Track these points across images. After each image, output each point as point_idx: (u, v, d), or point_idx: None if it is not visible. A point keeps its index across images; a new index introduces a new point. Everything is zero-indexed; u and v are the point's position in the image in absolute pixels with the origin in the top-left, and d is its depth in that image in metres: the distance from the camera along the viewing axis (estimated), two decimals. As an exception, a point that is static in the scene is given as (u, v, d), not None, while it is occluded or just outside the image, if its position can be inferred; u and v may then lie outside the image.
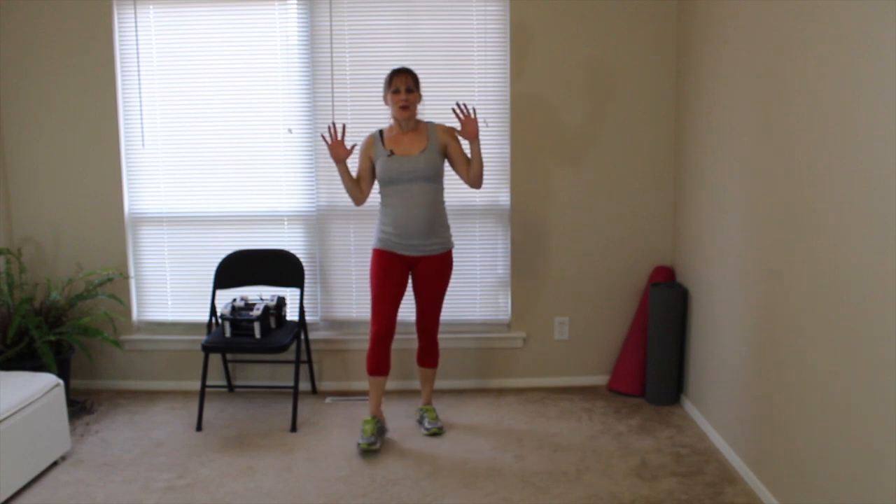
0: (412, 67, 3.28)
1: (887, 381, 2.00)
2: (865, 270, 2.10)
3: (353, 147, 3.30)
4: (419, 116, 3.34)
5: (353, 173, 3.36)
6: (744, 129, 2.95)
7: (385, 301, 3.31)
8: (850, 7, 2.16)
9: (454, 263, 3.42)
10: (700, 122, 3.46)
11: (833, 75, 2.26)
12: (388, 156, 3.24)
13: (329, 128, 3.30)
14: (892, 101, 1.96)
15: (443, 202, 3.34)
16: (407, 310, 3.51)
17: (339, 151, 3.28)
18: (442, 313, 3.47)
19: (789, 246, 2.56)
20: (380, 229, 3.33)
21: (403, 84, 3.22)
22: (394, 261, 3.30)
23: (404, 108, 3.22)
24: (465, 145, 3.36)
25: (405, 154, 3.24)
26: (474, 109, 3.27)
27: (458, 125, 3.29)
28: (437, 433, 3.40)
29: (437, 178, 3.28)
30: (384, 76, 3.28)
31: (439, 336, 3.52)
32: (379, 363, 3.35)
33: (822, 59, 2.32)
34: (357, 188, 3.35)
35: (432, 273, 3.33)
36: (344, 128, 3.30)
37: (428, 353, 3.51)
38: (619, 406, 3.72)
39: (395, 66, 3.28)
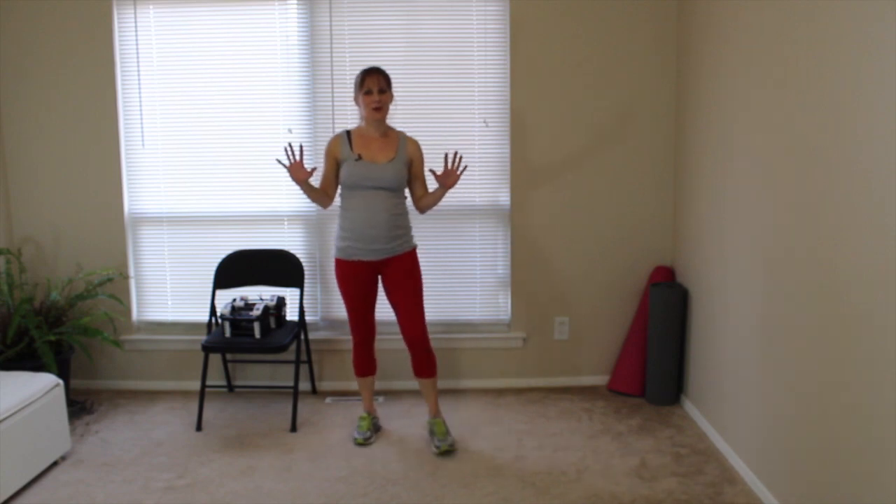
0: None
1: (887, 381, 2.00)
2: (865, 270, 2.10)
3: (313, 169, 3.22)
4: (389, 122, 3.27)
5: (317, 182, 3.32)
6: (744, 129, 2.95)
7: (359, 310, 3.30)
8: (850, 7, 2.16)
9: (421, 265, 3.32)
10: (700, 122, 3.46)
11: (833, 75, 2.26)
12: (356, 160, 3.16)
13: (285, 150, 3.21)
14: (892, 101, 1.96)
15: (405, 208, 3.28)
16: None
17: (299, 174, 3.20)
18: (438, 315, 3.45)
19: (789, 246, 2.56)
20: (340, 236, 3.24)
21: (376, 85, 3.14)
22: (358, 269, 3.22)
23: (377, 109, 3.15)
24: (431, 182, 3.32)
25: (372, 160, 3.17)
26: (465, 168, 3.23)
27: (441, 162, 3.24)
28: (447, 452, 3.19)
29: (400, 188, 3.23)
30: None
31: (438, 336, 3.50)
32: (364, 365, 3.43)
33: (822, 59, 2.32)
34: (323, 195, 3.29)
35: (400, 273, 3.24)
36: (301, 149, 3.23)
37: (423, 364, 3.34)
38: (619, 406, 3.72)
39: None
